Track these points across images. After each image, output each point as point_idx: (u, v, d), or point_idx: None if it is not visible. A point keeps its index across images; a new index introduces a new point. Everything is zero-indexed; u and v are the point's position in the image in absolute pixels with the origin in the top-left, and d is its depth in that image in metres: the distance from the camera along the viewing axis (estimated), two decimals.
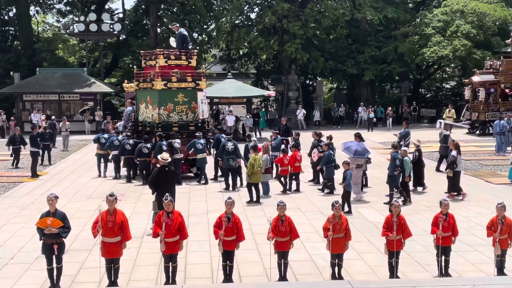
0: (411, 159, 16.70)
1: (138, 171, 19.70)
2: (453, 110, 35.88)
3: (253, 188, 16.13)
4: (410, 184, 16.60)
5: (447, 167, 16.87)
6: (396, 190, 15.74)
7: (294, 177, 17.68)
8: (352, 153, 16.09)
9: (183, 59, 20.43)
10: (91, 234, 9.90)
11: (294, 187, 17.72)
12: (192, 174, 20.26)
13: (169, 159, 13.49)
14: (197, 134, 19.32)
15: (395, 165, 15.57)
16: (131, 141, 19.39)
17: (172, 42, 21.62)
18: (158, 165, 13.46)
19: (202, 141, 18.97)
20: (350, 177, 14.96)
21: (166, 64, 20.07)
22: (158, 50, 20.93)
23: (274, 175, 18.66)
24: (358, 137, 17.28)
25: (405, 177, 15.79)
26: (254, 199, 16.15)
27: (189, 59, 20.59)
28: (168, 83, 19.77)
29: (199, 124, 20.30)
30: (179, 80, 20.00)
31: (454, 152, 16.37)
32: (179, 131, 19.75)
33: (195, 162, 19.62)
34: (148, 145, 18.78)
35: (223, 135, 20.22)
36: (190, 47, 20.88)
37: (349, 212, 14.66)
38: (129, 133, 20.36)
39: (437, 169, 20.74)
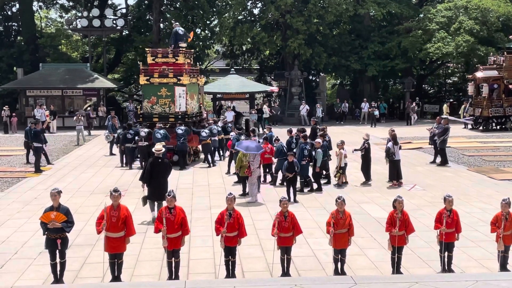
0: (359, 149, 18.00)
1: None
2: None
3: (247, 182, 16.66)
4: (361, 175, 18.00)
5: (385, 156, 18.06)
6: (306, 179, 16.74)
7: (267, 169, 18.37)
8: (244, 149, 16.08)
9: (170, 56, 22.14)
10: (95, 229, 9.92)
11: (269, 178, 18.44)
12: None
13: (163, 150, 13.72)
14: (157, 125, 20.75)
15: (303, 156, 16.58)
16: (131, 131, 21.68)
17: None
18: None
19: (162, 131, 20.26)
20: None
21: (153, 62, 22.14)
22: (146, 49, 22.82)
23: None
24: (252, 132, 19.88)
25: (315, 168, 16.81)
26: (247, 191, 16.64)
27: (176, 56, 22.13)
28: (150, 79, 21.87)
29: (179, 116, 21.86)
30: (161, 76, 21.79)
31: (390, 144, 17.68)
32: (159, 122, 21.44)
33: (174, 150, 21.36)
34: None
35: (205, 131, 22.02)
36: (184, 44, 22.61)
37: (295, 201, 15.39)
38: (125, 124, 23.34)
39: None
